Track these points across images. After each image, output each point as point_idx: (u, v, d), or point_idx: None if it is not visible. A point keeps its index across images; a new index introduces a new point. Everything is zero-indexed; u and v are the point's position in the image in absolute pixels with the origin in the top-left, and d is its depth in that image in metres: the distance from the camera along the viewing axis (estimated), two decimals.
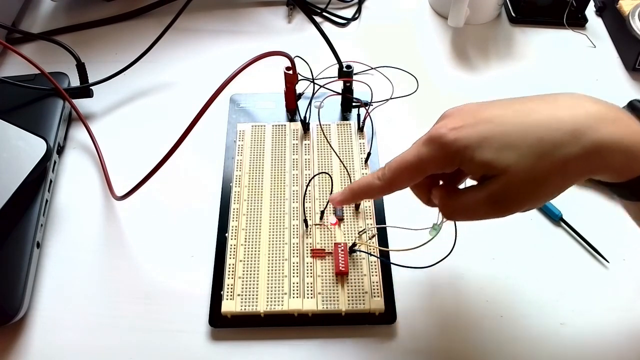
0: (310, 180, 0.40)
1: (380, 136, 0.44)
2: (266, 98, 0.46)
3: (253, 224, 0.38)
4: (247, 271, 0.36)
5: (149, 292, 0.36)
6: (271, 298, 0.34)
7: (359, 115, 0.44)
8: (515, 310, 0.35)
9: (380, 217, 0.39)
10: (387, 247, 0.37)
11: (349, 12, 0.55)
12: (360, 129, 0.43)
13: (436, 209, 0.35)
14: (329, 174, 0.40)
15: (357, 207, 0.39)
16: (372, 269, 0.36)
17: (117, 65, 0.47)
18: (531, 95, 0.27)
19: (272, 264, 0.36)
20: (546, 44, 0.52)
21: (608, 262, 0.37)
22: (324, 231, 0.37)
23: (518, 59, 0.50)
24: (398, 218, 0.39)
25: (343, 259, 0.35)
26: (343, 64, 0.43)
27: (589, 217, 0.39)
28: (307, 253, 0.36)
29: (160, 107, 0.47)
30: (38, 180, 0.38)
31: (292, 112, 0.45)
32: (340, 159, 0.41)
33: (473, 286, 0.36)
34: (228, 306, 0.34)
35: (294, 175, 0.41)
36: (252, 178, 0.40)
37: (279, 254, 0.36)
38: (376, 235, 0.37)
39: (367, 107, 0.43)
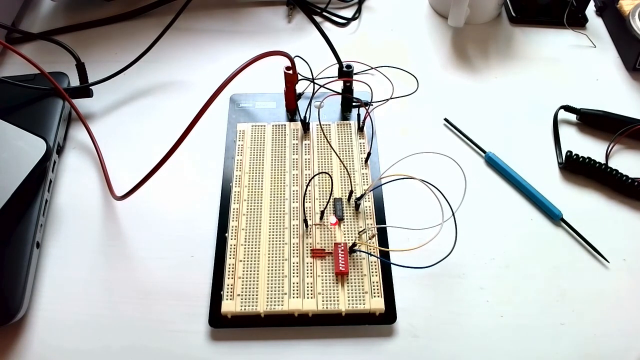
0: (310, 180, 0.40)
1: (380, 136, 0.44)
2: (266, 98, 0.46)
3: (253, 224, 0.38)
4: (247, 271, 0.35)
5: (149, 292, 0.36)
6: (271, 298, 0.34)
7: (359, 115, 0.44)
8: (515, 310, 0.35)
9: (380, 217, 0.39)
10: (387, 247, 0.37)
11: (349, 12, 0.55)
12: (360, 129, 0.43)
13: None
14: (329, 174, 0.40)
15: (357, 207, 0.39)
16: (372, 269, 0.36)
17: (117, 65, 0.47)
18: None
19: (272, 264, 0.36)
20: (546, 43, 0.52)
21: (608, 262, 0.37)
22: (324, 231, 0.37)
23: (518, 59, 0.50)
24: (398, 218, 0.39)
25: (343, 259, 0.35)
26: (343, 63, 0.42)
27: (589, 217, 0.39)
28: (307, 253, 0.36)
29: (160, 107, 0.47)
30: (38, 180, 0.38)
31: (292, 112, 0.45)
32: (340, 159, 0.41)
33: (473, 286, 0.36)
34: (228, 306, 0.34)
35: (294, 175, 0.41)
36: (252, 178, 0.40)
37: (279, 254, 0.36)
38: (376, 235, 0.37)
39: (367, 107, 0.43)
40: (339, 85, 0.44)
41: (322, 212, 0.38)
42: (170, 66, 0.50)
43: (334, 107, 0.45)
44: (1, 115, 0.40)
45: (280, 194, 0.39)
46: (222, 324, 0.34)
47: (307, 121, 0.43)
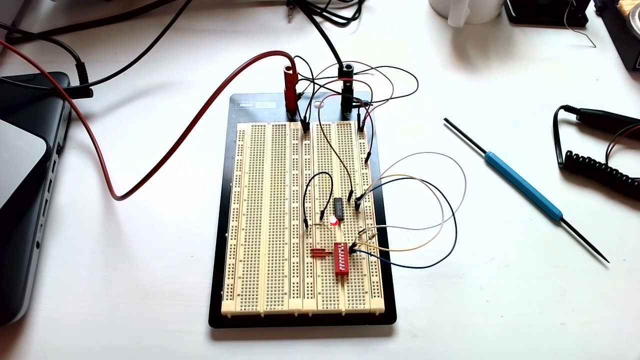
0: (310, 180, 0.40)
1: (380, 136, 0.44)
2: (266, 98, 0.46)
3: (253, 224, 0.38)
4: (247, 271, 0.35)
5: (148, 292, 0.36)
6: (271, 298, 0.34)
7: (359, 115, 0.44)
8: (515, 310, 0.35)
9: (380, 217, 0.39)
10: (387, 247, 0.37)
11: (349, 12, 0.55)
12: (360, 128, 0.43)
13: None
14: (329, 174, 0.40)
15: (357, 207, 0.39)
16: (372, 269, 0.36)
17: (117, 65, 0.47)
18: None
19: (272, 264, 0.36)
20: (546, 43, 0.52)
21: (608, 262, 0.37)
22: (324, 231, 0.37)
23: (518, 59, 0.50)
24: (398, 218, 0.39)
25: (343, 259, 0.35)
26: (343, 63, 0.42)
27: (589, 217, 0.39)
28: (307, 253, 0.36)
29: (160, 107, 0.47)
30: (38, 180, 0.38)
31: (292, 112, 0.45)
32: (340, 158, 0.41)
33: (473, 286, 0.36)
34: (228, 306, 0.34)
35: (294, 175, 0.41)
36: (252, 178, 0.40)
37: (279, 254, 0.36)
38: (376, 235, 0.37)
39: (367, 107, 0.43)
40: (339, 85, 0.44)
41: (322, 212, 0.38)
42: (170, 66, 0.50)
43: (334, 107, 0.45)
44: (1, 115, 0.40)
45: (280, 194, 0.39)
46: (222, 324, 0.34)
47: (307, 121, 0.43)
